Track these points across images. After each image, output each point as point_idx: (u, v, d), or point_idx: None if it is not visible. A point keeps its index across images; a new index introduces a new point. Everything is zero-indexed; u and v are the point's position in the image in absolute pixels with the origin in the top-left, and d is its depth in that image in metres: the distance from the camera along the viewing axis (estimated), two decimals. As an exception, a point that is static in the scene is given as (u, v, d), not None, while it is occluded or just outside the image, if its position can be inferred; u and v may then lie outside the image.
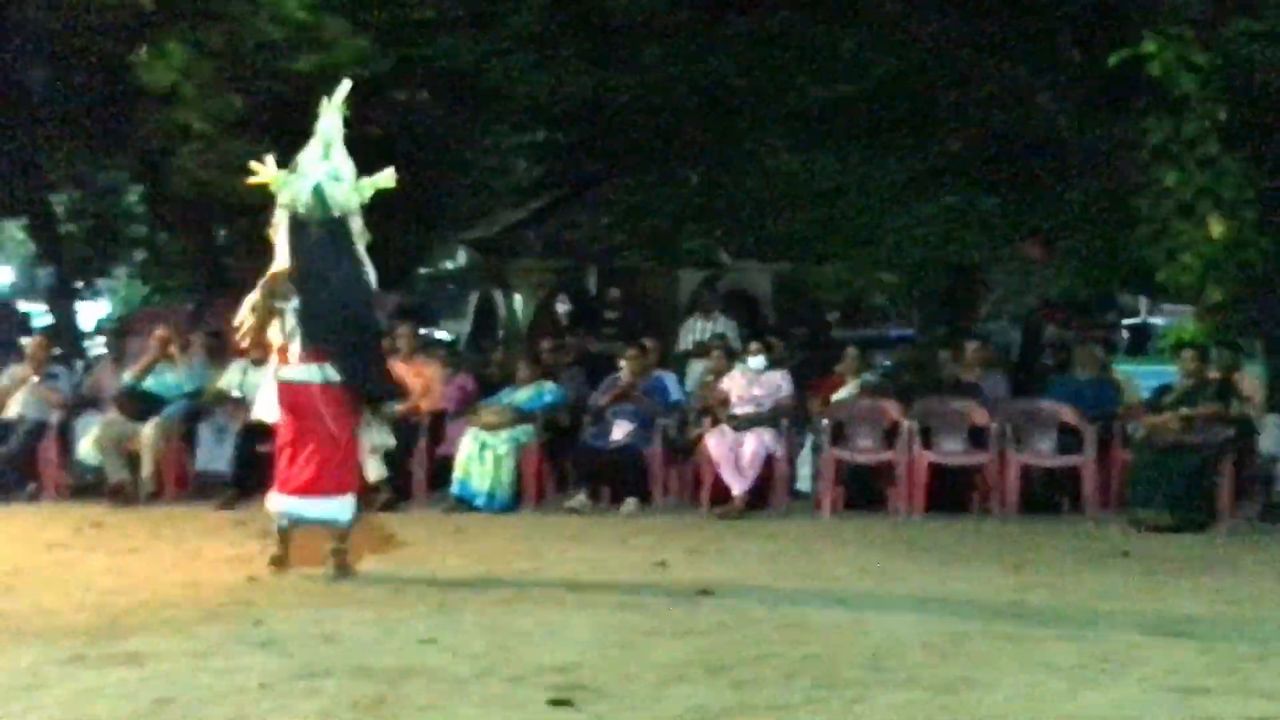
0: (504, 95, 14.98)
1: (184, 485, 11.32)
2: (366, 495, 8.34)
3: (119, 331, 13.26)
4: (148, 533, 9.30)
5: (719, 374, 11.32)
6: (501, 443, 10.64)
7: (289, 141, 13.94)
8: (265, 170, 7.68)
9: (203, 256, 18.77)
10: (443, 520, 10.07)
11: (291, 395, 7.54)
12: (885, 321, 16.35)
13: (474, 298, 18.08)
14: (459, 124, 15.86)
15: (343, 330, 7.60)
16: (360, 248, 7.66)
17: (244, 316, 7.65)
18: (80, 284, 19.19)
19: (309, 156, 7.65)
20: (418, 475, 11.02)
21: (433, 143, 16.25)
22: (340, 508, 7.51)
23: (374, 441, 7.84)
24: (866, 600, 7.03)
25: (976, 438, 10.46)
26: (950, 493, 10.46)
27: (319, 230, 7.57)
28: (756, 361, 11.05)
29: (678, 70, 14.35)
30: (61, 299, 18.09)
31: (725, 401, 10.87)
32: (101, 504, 10.67)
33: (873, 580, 7.65)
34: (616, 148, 16.21)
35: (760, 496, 10.53)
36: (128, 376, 11.50)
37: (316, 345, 7.48)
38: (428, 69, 13.63)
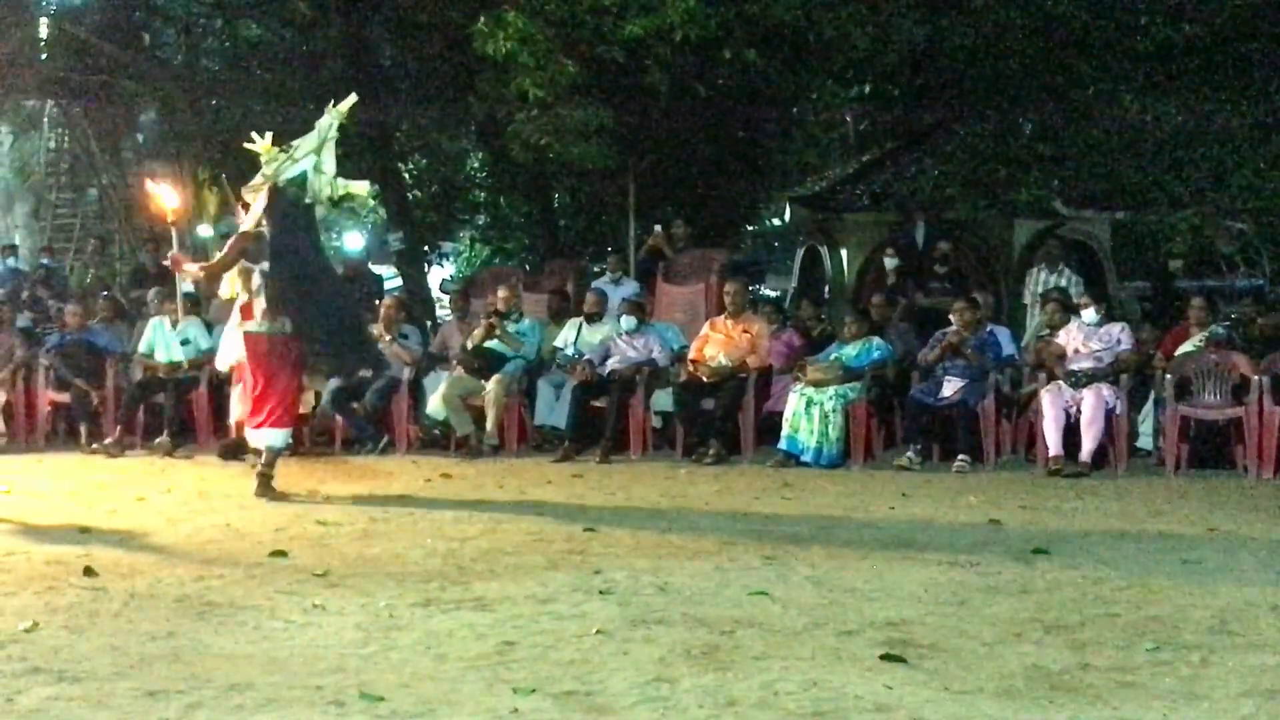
0: (833, 49, 14.87)
1: (524, 439, 11.77)
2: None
3: (463, 292, 13.83)
4: (492, 484, 9.73)
5: (1055, 328, 10.99)
6: (829, 399, 10.63)
7: (621, 104, 14.30)
8: (261, 142, 9.08)
9: (540, 219, 19.41)
10: (771, 475, 10.16)
11: (252, 344, 8.98)
12: (1233, 271, 15.46)
13: (799, 254, 18.03)
14: (787, 80, 15.83)
15: (307, 303, 9.01)
16: (320, 234, 9.52)
17: (210, 264, 9.32)
18: (427, 247, 20.09)
19: (304, 143, 9.03)
20: (746, 431, 11.14)
21: (761, 100, 16.28)
22: (275, 437, 9.02)
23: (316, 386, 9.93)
24: (1213, 561, 6.74)
25: (1336, 393, 9.84)
26: (1305, 452, 9.88)
27: (293, 208, 8.93)
28: (1090, 315, 10.66)
29: (1013, 15, 13.92)
30: (411, 262, 19.01)
31: (1062, 356, 10.54)
32: (449, 456, 11.24)
33: (1220, 541, 7.33)
34: (948, 97, 15.88)
35: (1099, 454, 10.19)
36: (469, 343, 12.01)
37: (283, 310, 8.88)
38: (756, 25, 13.64)
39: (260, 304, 8.92)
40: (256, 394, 9.05)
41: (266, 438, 9.04)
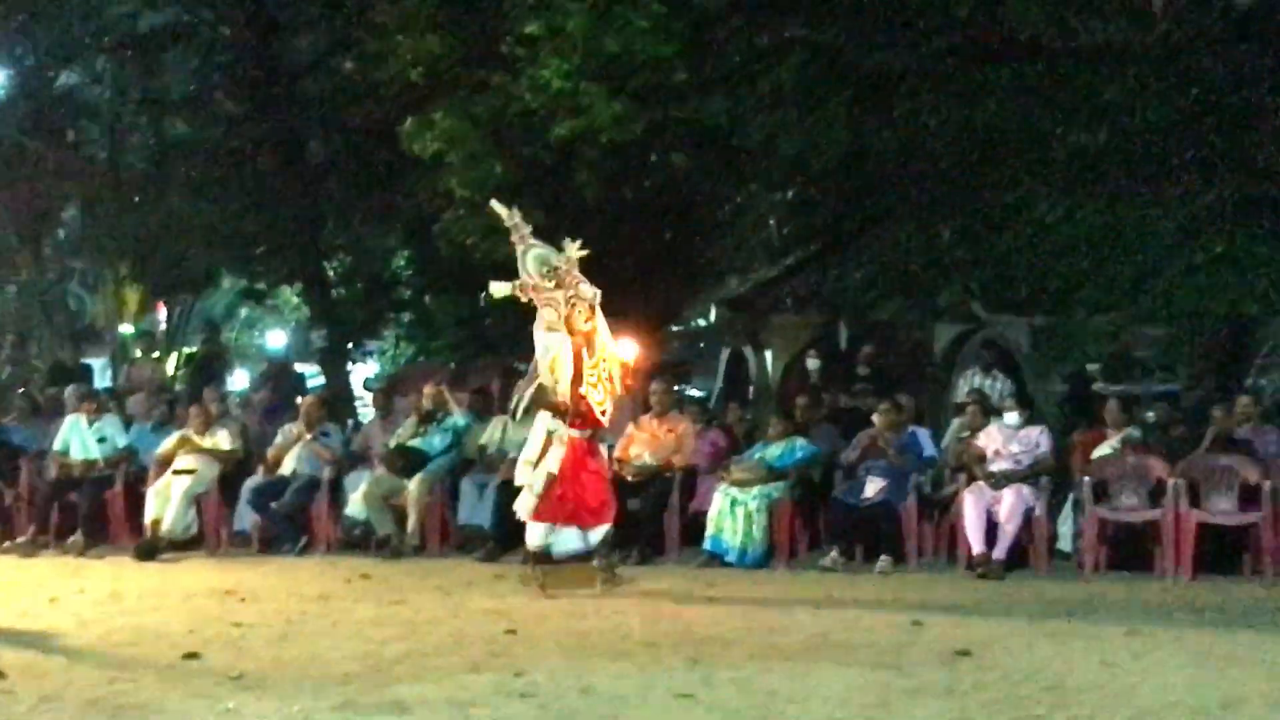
0: (760, 153, 15.08)
1: (447, 539, 11.65)
2: None
3: (386, 390, 13.74)
4: (413, 584, 9.62)
5: (975, 430, 11.10)
6: (753, 499, 10.65)
7: (550, 205, 14.39)
8: (504, 210, 9.51)
9: (466, 318, 19.38)
10: (695, 576, 10.12)
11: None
12: (1149, 375, 15.74)
13: (724, 354, 18.14)
14: (714, 183, 16.01)
15: None
16: None
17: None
18: (351, 345, 20.04)
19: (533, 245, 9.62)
20: (671, 531, 11.10)
21: (687, 202, 16.45)
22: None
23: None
24: (1133, 663, 6.78)
25: (1249, 496, 9.99)
26: (1221, 553, 10.00)
27: None
28: (1012, 417, 10.79)
29: (936, 122, 14.19)
30: (333, 360, 18.89)
31: (981, 458, 10.64)
32: (369, 557, 11.10)
33: (1139, 642, 7.36)
34: (872, 201, 16.11)
35: (1020, 555, 10.26)
36: (393, 441, 11.92)
37: None
38: (683, 130, 13.81)
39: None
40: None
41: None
